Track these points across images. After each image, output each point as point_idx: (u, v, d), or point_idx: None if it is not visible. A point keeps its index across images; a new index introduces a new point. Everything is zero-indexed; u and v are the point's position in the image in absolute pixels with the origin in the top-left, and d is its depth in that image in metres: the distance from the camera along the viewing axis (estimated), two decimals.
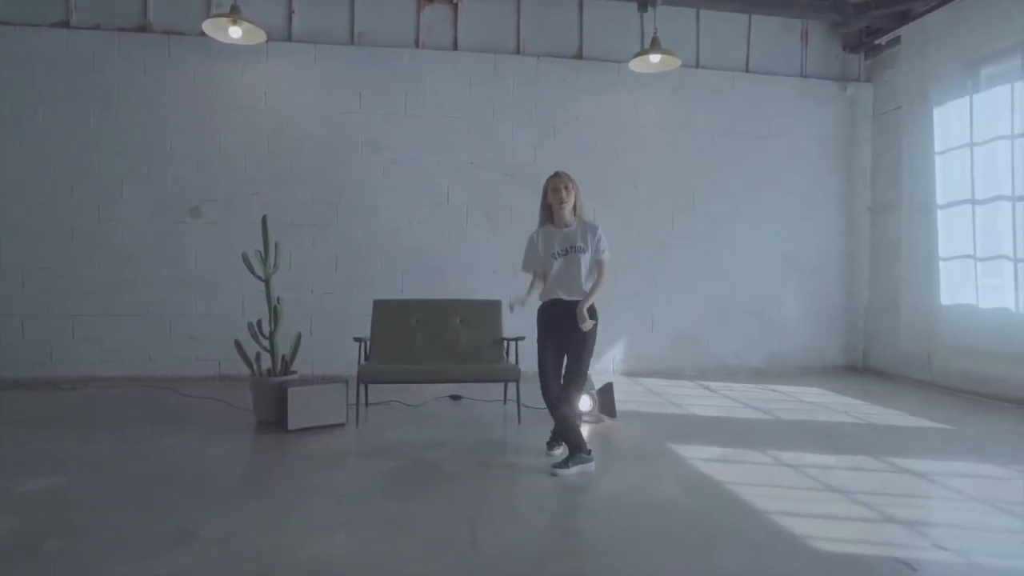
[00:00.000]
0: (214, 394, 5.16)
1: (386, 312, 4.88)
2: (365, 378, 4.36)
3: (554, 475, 3.34)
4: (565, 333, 3.52)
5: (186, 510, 2.82)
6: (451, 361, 4.63)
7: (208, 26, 4.93)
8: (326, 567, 2.33)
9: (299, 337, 4.60)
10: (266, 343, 4.49)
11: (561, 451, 3.59)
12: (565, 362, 3.59)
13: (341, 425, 4.30)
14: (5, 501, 2.91)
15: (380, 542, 2.55)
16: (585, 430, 4.36)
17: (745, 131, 6.60)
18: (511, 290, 5.67)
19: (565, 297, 3.52)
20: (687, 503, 3.02)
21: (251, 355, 4.46)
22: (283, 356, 4.53)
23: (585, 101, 6.31)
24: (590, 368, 3.72)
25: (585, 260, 3.53)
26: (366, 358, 4.69)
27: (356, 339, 4.54)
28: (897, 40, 6.31)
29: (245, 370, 4.53)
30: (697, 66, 6.49)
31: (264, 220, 4.52)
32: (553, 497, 3.09)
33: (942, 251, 5.71)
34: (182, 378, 5.74)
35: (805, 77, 6.76)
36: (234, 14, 4.72)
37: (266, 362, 4.52)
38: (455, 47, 6.14)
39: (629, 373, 6.37)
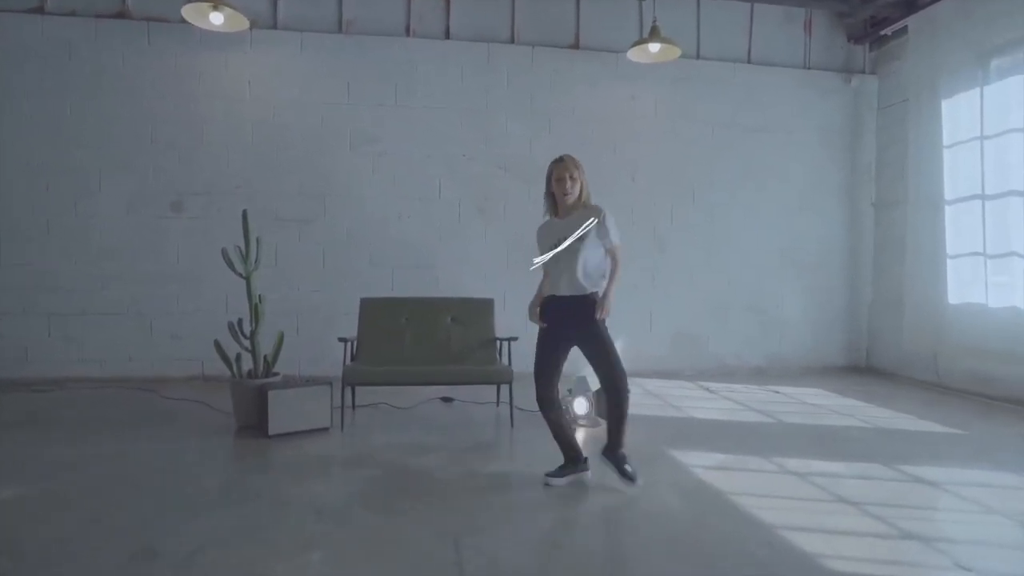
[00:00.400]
0: (196, 396, 4.97)
1: (374, 311, 4.68)
2: (350, 380, 4.16)
3: (547, 485, 3.15)
4: (564, 332, 3.17)
5: (149, 525, 2.63)
6: (441, 362, 4.43)
7: (188, 11, 4.70)
8: None
9: (282, 337, 4.40)
10: (247, 343, 4.29)
11: (568, 480, 3.21)
12: (591, 361, 3.16)
13: (325, 429, 4.11)
14: None
15: (357, 562, 2.36)
16: (581, 434, 4.19)
17: (746, 123, 6.41)
18: (505, 287, 5.59)
19: (564, 292, 3.15)
20: (687, 516, 2.83)
21: (233, 356, 4.25)
22: (265, 357, 4.33)
23: (582, 92, 6.11)
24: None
25: (584, 250, 3.10)
26: (352, 359, 4.50)
27: (341, 339, 4.34)
28: (904, 30, 6.12)
29: (246, 364, 4.33)
30: (697, 56, 6.29)
31: (244, 214, 4.31)
32: (545, 510, 2.90)
33: (950, 248, 5.52)
34: (164, 379, 5.54)
35: (808, 69, 6.56)
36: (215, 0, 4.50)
37: (247, 363, 4.32)
38: (447, 36, 5.93)
39: (627, 373, 6.15)
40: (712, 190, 6.37)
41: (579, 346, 3.18)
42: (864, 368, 6.66)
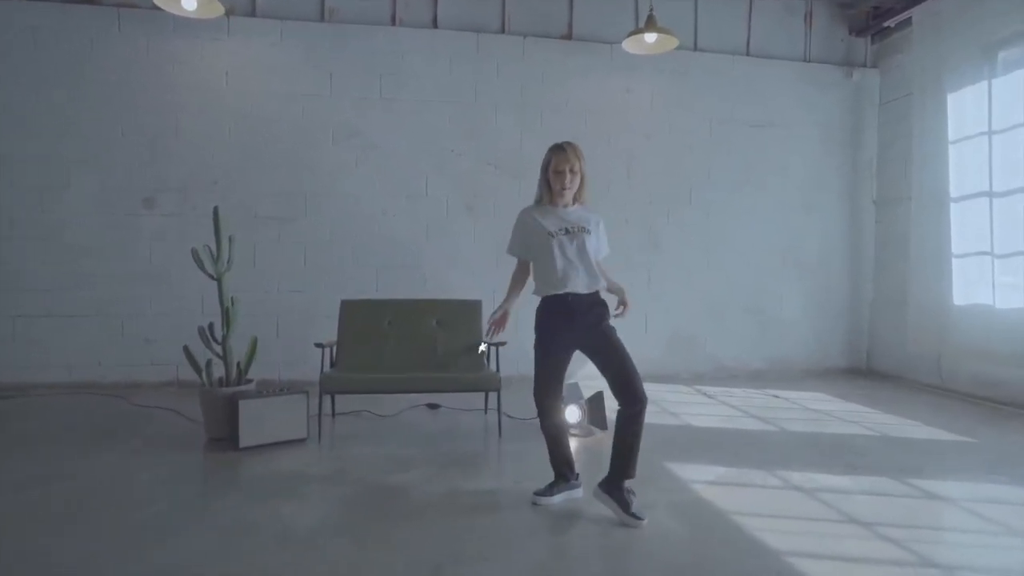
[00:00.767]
0: (168, 403, 4.72)
1: (355, 313, 4.44)
2: (328, 389, 3.92)
3: (535, 504, 2.92)
4: (576, 335, 2.84)
5: (94, 554, 2.38)
6: (425, 368, 4.19)
7: None
8: None
9: (255, 342, 4.14)
10: (219, 349, 4.04)
11: (559, 498, 2.96)
12: (610, 375, 2.83)
13: (301, 441, 3.87)
14: None
15: None
16: (573, 444, 3.96)
17: (744, 118, 6.19)
18: (494, 287, 5.33)
19: (583, 290, 2.83)
20: (687, 541, 2.60)
21: (204, 362, 4.00)
22: (238, 363, 4.08)
23: (575, 84, 5.87)
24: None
25: (591, 242, 2.88)
26: (332, 364, 4.25)
27: (317, 345, 4.09)
28: (908, 22, 5.91)
29: (218, 371, 4.07)
30: (695, 48, 6.07)
31: (216, 211, 4.05)
32: (533, 534, 2.67)
33: (955, 247, 5.32)
34: (136, 384, 5.29)
35: (808, 62, 6.35)
36: None
37: (219, 370, 4.07)
38: (435, 25, 5.68)
39: None
40: (710, 187, 6.15)
41: (592, 351, 2.86)
42: (865, 370, 6.46)
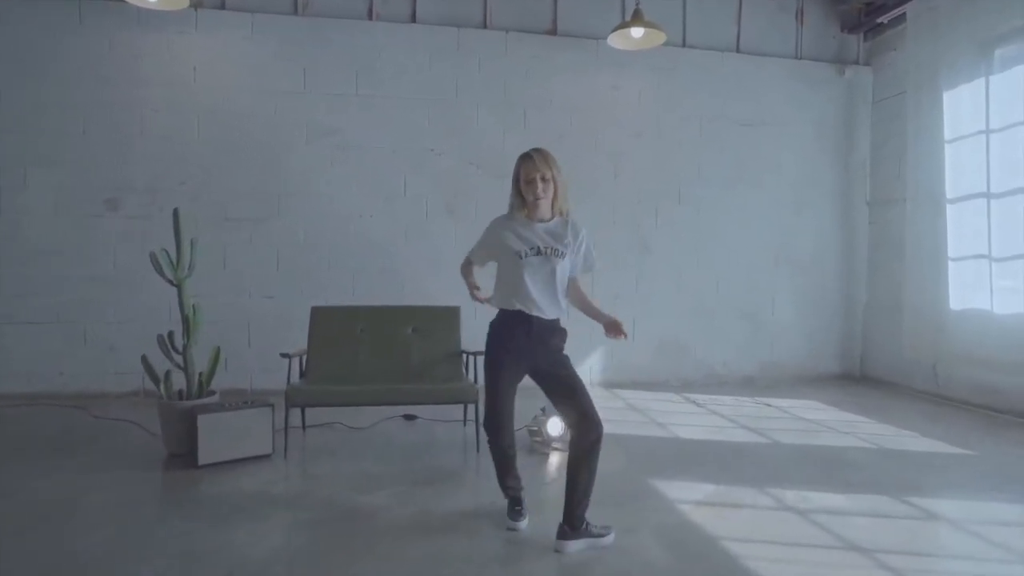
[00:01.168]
0: (130, 415, 4.47)
1: (326, 320, 4.21)
2: (295, 402, 3.69)
3: (512, 530, 2.71)
4: (544, 356, 2.65)
5: None
6: (400, 379, 3.97)
7: None
8: None
9: (218, 352, 3.91)
10: (179, 359, 3.80)
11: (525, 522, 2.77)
12: (565, 402, 2.67)
13: (267, 457, 3.64)
14: None
15: None
16: (555, 458, 3.77)
17: (734, 116, 6.01)
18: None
19: (544, 315, 2.64)
20: (671, 570, 2.40)
21: (164, 372, 3.76)
22: (200, 374, 3.85)
23: (560, 81, 5.66)
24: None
25: (562, 267, 2.67)
26: (301, 375, 4.02)
27: (283, 355, 3.86)
28: (901, 19, 5.74)
29: (178, 382, 3.82)
30: (684, 44, 5.88)
31: (175, 213, 3.81)
32: (508, 565, 2.46)
33: (952, 250, 5.16)
34: (99, 394, 5.03)
35: (800, 59, 6.18)
36: None
37: (181, 381, 3.83)
38: (413, 19, 5.46)
39: (608, 384, 5.76)
40: (699, 187, 5.96)
41: (545, 376, 2.67)
42: (859, 376, 6.29)
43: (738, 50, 6.03)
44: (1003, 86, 4.88)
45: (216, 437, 3.48)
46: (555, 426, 3.90)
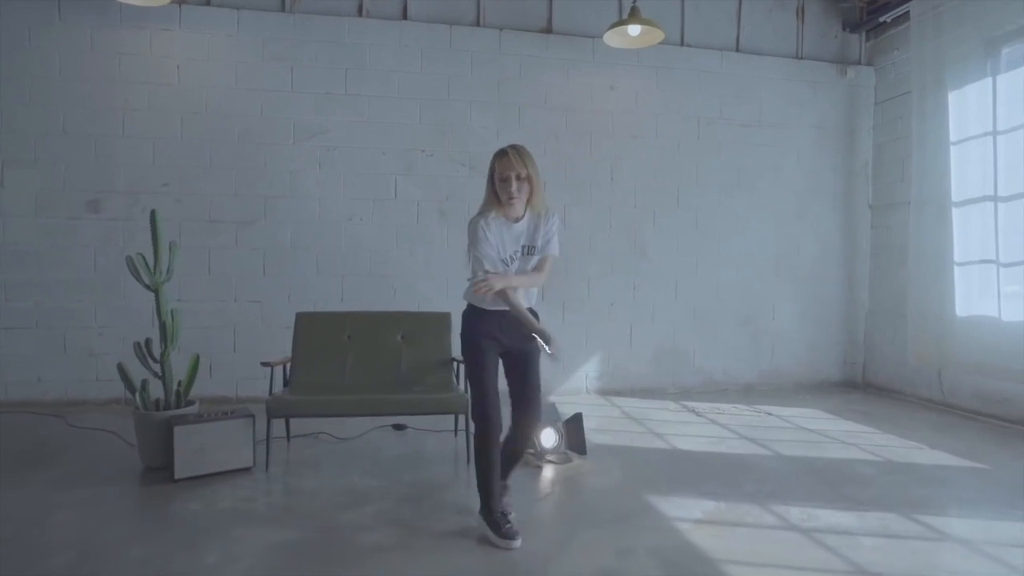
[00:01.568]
0: (109, 424, 4.31)
1: (311, 327, 4.05)
2: (276, 412, 3.52)
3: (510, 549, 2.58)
4: (516, 338, 2.69)
5: None
6: (388, 389, 3.80)
7: None
8: None
9: (196, 360, 3.75)
10: (156, 367, 3.64)
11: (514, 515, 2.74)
12: (518, 387, 2.75)
13: (247, 470, 3.48)
14: None
15: None
16: (549, 471, 3.61)
17: (734, 117, 5.87)
18: None
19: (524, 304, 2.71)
20: None
21: (140, 381, 3.61)
22: (179, 383, 3.69)
23: (555, 80, 5.52)
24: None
25: (534, 261, 2.73)
26: (285, 384, 3.87)
27: (264, 364, 3.70)
28: (904, 18, 5.61)
29: (156, 391, 3.66)
30: (682, 43, 5.74)
31: (153, 215, 3.65)
32: None
33: (958, 255, 5.01)
34: (79, 402, 4.87)
35: (800, 59, 6.04)
36: None
37: (159, 390, 3.67)
38: (404, 16, 5.31)
39: (604, 392, 5.60)
40: (698, 189, 5.82)
41: (512, 365, 2.76)
42: (860, 384, 6.15)
43: (737, 49, 5.89)
44: (1011, 86, 4.75)
45: (194, 449, 3.33)
46: (549, 438, 3.75)
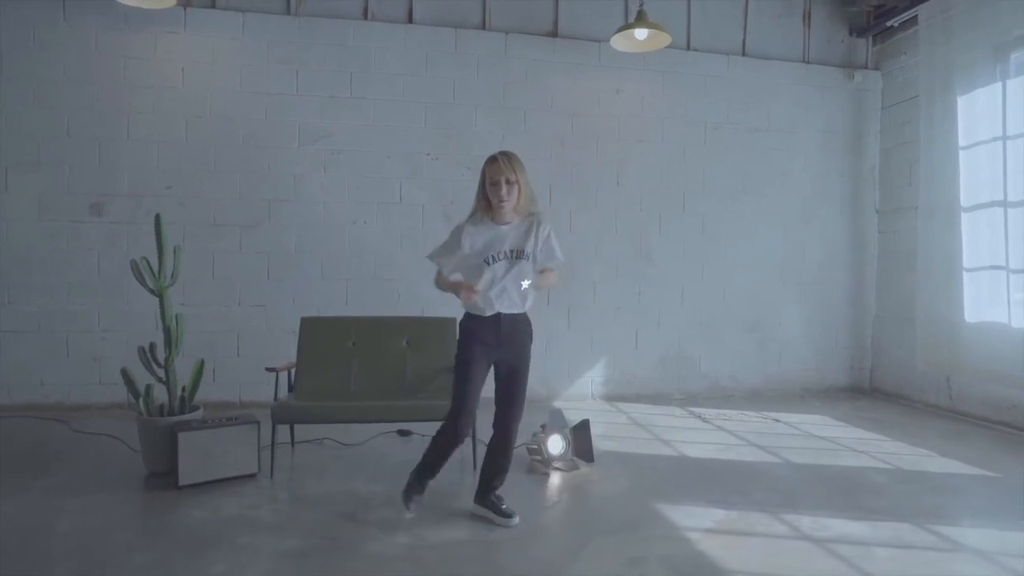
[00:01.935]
0: (112, 429, 4.27)
1: (316, 332, 4.03)
2: (281, 419, 3.49)
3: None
4: (508, 348, 2.84)
5: None
6: (393, 394, 3.78)
7: None
8: None
9: (201, 366, 3.72)
10: (161, 372, 3.61)
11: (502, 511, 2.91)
12: (505, 393, 2.89)
13: (252, 476, 3.45)
14: None
15: None
16: (556, 478, 3.58)
17: (740, 122, 5.84)
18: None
19: (508, 310, 2.82)
20: None
21: (144, 386, 3.57)
22: (183, 388, 3.66)
23: (560, 84, 5.49)
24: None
25: (527, 267, 2.79)
26: (289, 389, 3.84)
27: (269, 369, 3.67)
28: (912, 22, 5.58)
29: (160, 396, 3.64)
30: (688, 48, 5.72)
31: (157, 219, 3.63)
32: None
33: (967, 261, 4.98)
34: (83, 406, 4.84)
35: (807, 63, 6.01)
36: None
37: (164, 395, 3.64)
38: (410, 20, 5.29)
39: (610, 397, 5.57)
40: (704, 195, 5.79)
41: (503, 374, 2.88)
42: (868, 390, 6.10)
43: (744, 54, 5.87)
44: (1021, 91, 4.72)
45: (198, 456, 3.29)
46: (556, 444, 3.71)
